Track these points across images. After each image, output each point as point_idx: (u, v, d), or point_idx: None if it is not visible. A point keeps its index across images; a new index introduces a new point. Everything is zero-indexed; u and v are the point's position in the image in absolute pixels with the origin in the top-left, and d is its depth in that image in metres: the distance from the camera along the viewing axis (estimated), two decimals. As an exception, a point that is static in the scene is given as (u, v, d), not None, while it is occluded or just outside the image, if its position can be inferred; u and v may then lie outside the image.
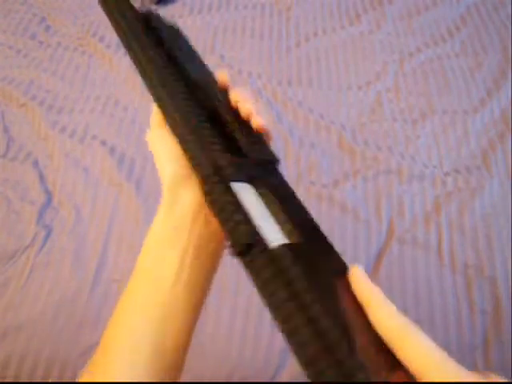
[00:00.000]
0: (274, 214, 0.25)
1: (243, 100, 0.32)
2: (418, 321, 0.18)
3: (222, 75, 0.36)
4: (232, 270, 0.70)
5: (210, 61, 1.27)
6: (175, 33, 0.40)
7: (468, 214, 0.81)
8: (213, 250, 0.31)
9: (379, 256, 0.77)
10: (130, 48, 0.37)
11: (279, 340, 0.69)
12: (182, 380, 0.30)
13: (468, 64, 1.05)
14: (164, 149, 0.32)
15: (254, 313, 0.71)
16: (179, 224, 0.30)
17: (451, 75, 1.03)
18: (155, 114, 0.35)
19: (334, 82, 1.03)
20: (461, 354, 0.68)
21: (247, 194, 0.25)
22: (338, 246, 0.24)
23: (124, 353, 0.27)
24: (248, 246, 0.21)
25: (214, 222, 0.30)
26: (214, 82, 0.35)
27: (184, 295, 0.28)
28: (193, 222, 0.30)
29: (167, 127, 0.32)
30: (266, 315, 0.71)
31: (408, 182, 0.85)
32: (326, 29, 1.14)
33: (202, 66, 0.38)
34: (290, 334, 0.17)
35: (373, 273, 0.75)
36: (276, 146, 0.92)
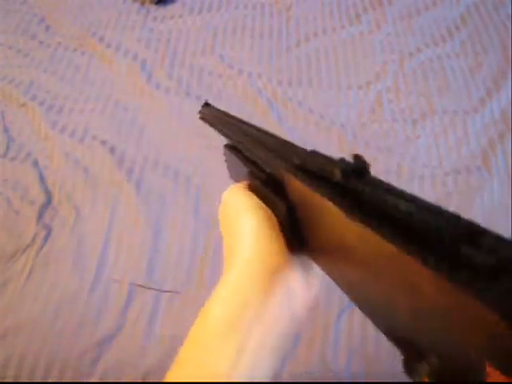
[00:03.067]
0: None
1: None
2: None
3: None
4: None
5: (209, 61, 1.28)
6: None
7: (468, 214, 0.81)
8: (285, 335, 0.25)
9: (379, 256, 0.77)
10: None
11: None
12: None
13: (468, 64, 1.05)
14: (248, 200, 0.28)
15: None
16: (249, 296, 0.24)
17: (451, 75, 1.03)
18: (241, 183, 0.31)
19: (334, 82, 1.03)
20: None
21: None
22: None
23: None
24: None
25: (296, 295, 0.25)
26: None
27: None
28: (265, 295, 0.24)
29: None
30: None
31: (408, 182, 0.85)
32: (326, 29, 1.14)
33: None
34: None
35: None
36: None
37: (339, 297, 0.71)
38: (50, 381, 0.66)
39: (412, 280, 0.15)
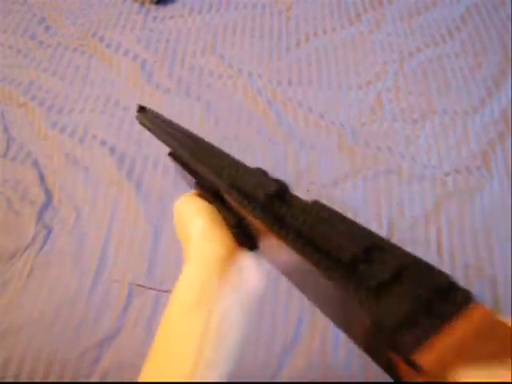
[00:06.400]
0: None
1: None
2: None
3: None
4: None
5: (209, 61, 1.28)
6: None
7: (468, 214, 0.81)
8: (247, 309, 0.28)
9: (379, 256, 0.77)
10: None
11: (279, 340, 0.69)
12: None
13: (468, 64, 1.05)
14: (195, 205, 0.30)
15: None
16: (205, 281, 0.27)
17: (451, 75, 1.03)
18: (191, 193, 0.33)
19: (334, 82, 1.03)
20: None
21: None
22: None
23: None
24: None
25: (247, 273, 0.28)
26: None
27: (208, 371, 0.26)
28: (219, 278, 0.27)
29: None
30: (266, 316, 0.71)
31: (408, 182, 0.85)
32: (325, 29, 1.14)
33: None
34: None
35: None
36: (276, 146, 0.92)
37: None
38: (49, 381, 0.67)
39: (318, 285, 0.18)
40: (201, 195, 0.32)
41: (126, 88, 1.03)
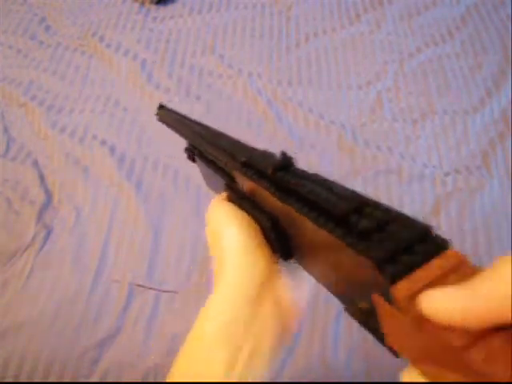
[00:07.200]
0: None
1: None
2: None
3: None
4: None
5: (209, 61, 1.27)
6: None
7: (468, 214, 0.81)
8: (276, 342, 0.25)
9: (379, 256, 0.77)
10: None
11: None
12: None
13: (468, 64, 1.05)
14: (225, 210, 0.27)
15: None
16: (240, 306, 0.24)
17: (451, 75, 1.03)
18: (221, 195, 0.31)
19: (334, 82, 1.03)
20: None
21: None
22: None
23: None
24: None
25: (285, 304, 0.26)
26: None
27: None
28: (257, 304, 0.24)
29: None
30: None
31: (408, 182, 0.85)
32: (325, 29, 1.14)
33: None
34: None
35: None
36: (276, 146, 0.92)
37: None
38: (49, 381, 0.67)
39: (323, 243, 0.20)
40: (231, 199, 0.30)
41: (125, 88, 1.03)
